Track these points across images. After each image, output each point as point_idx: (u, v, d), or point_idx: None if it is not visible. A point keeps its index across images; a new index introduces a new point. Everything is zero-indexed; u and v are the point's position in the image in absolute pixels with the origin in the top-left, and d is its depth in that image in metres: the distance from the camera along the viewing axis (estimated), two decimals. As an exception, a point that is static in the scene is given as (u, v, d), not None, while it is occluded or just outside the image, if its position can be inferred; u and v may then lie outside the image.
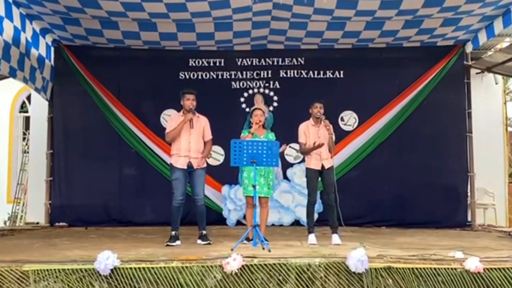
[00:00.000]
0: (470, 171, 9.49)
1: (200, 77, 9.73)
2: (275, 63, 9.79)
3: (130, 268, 4.71)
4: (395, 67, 9.69)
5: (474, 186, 9.53)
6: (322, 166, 6.78)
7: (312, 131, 6.87)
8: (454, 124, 9.58)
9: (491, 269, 4.78)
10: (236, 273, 4.71)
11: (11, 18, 7.64)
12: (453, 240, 7.18)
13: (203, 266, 4.76)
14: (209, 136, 6.86)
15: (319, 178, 6.91)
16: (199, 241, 6.59)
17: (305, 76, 9.73)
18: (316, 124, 6.87)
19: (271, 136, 6.95)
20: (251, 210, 6.56)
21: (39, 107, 10.07)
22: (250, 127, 6.89)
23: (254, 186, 6.27)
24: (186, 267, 4.76)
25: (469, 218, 9.38)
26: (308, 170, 6.88)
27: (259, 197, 6.53)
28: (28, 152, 11.29)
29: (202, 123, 6.79)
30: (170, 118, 7.12)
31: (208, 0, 7.55)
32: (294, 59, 9.77)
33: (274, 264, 4.80)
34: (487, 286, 4.73)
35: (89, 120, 9.67)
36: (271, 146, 6.28)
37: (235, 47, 9.66)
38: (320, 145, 6.73)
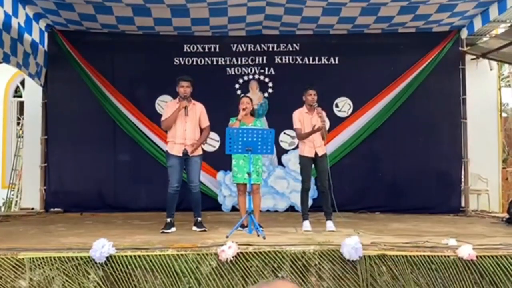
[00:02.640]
0: (464, 157, 9.53)
1: (195, 63, 9.68)
2: (270, 49, 9.74)
3: (126, 256, 4.73)
4: (391, 53, 9.68)
5: (468, 172, 9.58)
6: (316, 154, 6.78)
7: (306, 119, 6.84)
8: (448, 110, 9.60)
9: (484, 256, 4.82)
10: (231, 261, 4.73)
11: (1, 3, 7.56)
12: (447, 226, 7.24)
13: (198, 254, 4.79)
14: (206, 123, 6.82)
15: (313, 165, 6.92)
16: (194, 228, 6.60)
17: (300, 62, 9.69)
18: (310, 111, 6.84)
19: (259, 123, 6.95)
20: (243, 197, 6.60)
21: (33, 92, 10.02)
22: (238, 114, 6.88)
23: (249, 174, 6.28)
24: (182, 254, 4.78)
25: (462, 204, 9.45)
26: (301, 158, 6.88)
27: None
28: (22, 137, 11.25)
29: (198, 110, 6.75)
30: (166, 106, 7.09)
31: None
32: (289, 45, 9.73)
33: (269, 251, 4.83)
34: (480, 274, 4.78)
35: (84, 106, 9.63)
36: (266, 134, 6.28)
37: (230, 33, 9.61)
38: (320, 128, 6.67)
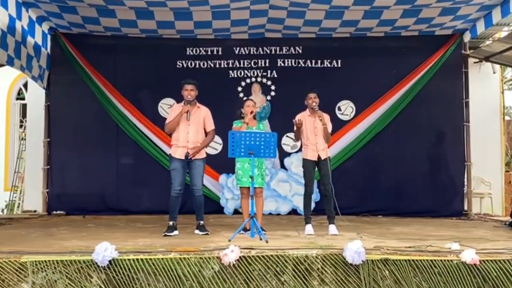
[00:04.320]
0: (467, 161, 9.52)
1: (197, 66, 9.69)
2: (273, 52, 9.75)
3: (128, 260, 4.72)
4: (393, 56, 9.67)
5: (471, 175, 9.57)
6: (319, 157, 6.78)
7: (308, 122, 6.83)
8: (451, 113, 9.59)
9: (487, 261, 4.81)
10: (233, 265, 4.73)
11: (5, 6, 7.60)
12: (450, 230, 7.23)
13: (201, 258, 4.78)
14: (211, 126, 6.80)
15: (316, 169, 6.91)
16: (196, 231, 6.60)
17: (303, 65, 9.70)
18: (312, 114, 6.84)
19: (262, 126, 6.95)
20: (247, 201, 6.58)
21: (36, 95, 10.04)
22: (242, 117, 6.87)
23: (252, 177, 6.28)
24: (184, 258, 4.77)
25: (465, 207, 9.45)
26: (304, 161, 6.88)
27: (254, 188, 6.56)
28: (25, 140, 11.26)
29: (202, 114, 6.74)
30: (171, 109, 7.10)
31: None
32: (292, 48, 9.74)
33: (272, 255, 4.82)
34: (483, 278, 4.76)
35: (86, 108, 9.65)
36: (269, 138, 6.27)
37: (232, 36, 9.63)
38: (299, 123, 6.69)
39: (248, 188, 6.53)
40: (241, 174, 6.73)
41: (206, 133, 6.80)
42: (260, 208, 6.78)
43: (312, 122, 6.82)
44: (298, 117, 6.89)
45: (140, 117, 9.54)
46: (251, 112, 6.76)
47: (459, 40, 9.56)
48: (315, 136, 6.80)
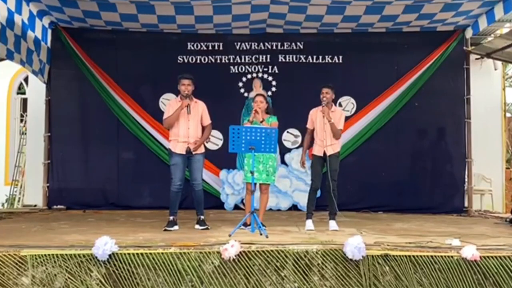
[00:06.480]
0: (468, 157, 9.49)
1: (198, 61, 9.66)
2: (274, 47, 9.70)
3: (128, 254, 4.73)
4: (395, 52, 9.64)
5: (472, 172, 9.55)
6: (324, 153, 6.76)
7: (319, 117, 6.83)
8: (452, 110, 9.57)
9: (487, 257, 4.81)
10: (234, 260, 4.73)
11: (4, 0, 7.57)
12: (450, 227, 7.22)
13: (201, 252, 4.78)
14: (207, 120, 6.81)
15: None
16: (197, 226, 6.60)
17: (304, 61, 9.66)
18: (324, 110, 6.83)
19: (272, 119, 6.91)
20: (250, 196, 6.56)
21: (37, 89, 10.01)
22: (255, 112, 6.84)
23: (252, 173, 6.27)
24: (184, 253, 4.77)
25: (466, 204, 9.43)
26: (313, 156, 6.89)
27: (260, 184, 6.54)
28: (26, 134, 11.25)
29: (199, 108, 6.74)
30: (167, 104, 7.07)
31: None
32: (293, 44, 9.69)
33: (272, 250, 4.82)
34: (484, 274, 4.76)
35: (87, 103, 9.65)
36: (269, 133, 6.25)
37: (233, 31, 9.59)
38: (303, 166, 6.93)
39: (254, 184, 6.50)
40: (247, 170, 6.71)
41: (203, 128, 6.78)
42: (264, 204, 6.79)
43: (322, 118, 6.80)
44: (310, 113, 6.92)
45: (141, 112, 9.52)
46: (255, 111, 6.73)
47: (460, 37, 9.52)
48: (324, 132, 6.77)
